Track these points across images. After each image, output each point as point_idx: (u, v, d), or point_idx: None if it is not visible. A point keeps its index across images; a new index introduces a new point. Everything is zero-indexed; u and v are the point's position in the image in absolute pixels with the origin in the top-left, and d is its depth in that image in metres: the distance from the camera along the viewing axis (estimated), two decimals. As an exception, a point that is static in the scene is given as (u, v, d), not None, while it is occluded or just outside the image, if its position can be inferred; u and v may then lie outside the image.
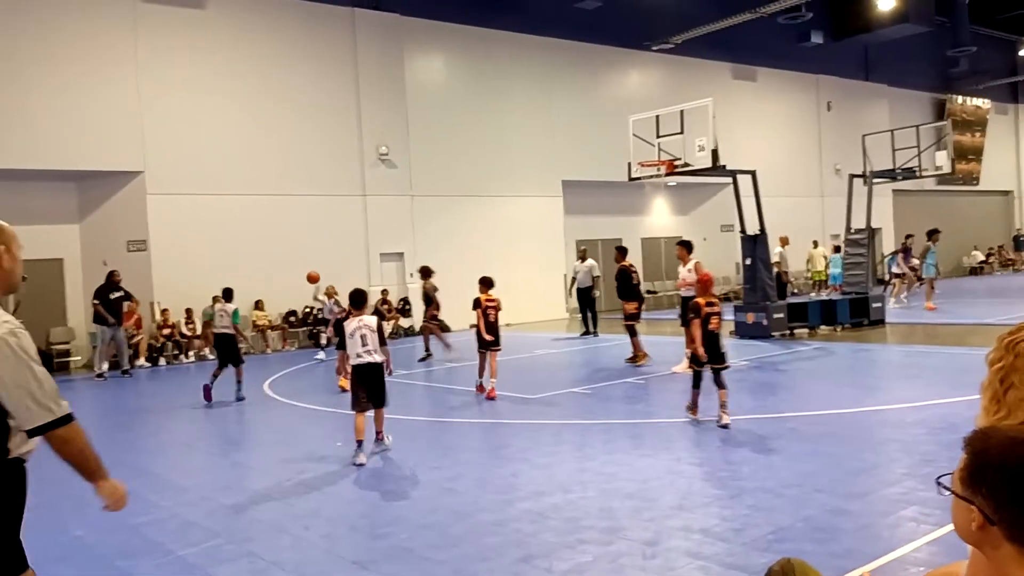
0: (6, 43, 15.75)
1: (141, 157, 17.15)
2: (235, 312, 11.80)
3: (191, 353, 17.47)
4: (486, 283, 10.84)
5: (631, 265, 14.05)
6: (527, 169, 23.04)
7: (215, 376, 11.41)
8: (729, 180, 17.26)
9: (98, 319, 15.55)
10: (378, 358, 7.68)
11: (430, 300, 15.58)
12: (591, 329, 17.86)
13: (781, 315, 15.68)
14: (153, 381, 11.82)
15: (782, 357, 13.20)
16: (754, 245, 15.79)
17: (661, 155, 14.92)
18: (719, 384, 8.25)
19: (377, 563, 4.96)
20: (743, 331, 15.85)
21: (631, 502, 5.81)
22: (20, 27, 15.90)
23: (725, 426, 8.00)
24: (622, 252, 14.36)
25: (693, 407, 8.48)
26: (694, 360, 8.56)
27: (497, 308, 10.78)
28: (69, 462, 3.06)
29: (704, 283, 8.68)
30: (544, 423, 8.86)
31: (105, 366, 15.64)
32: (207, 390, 11.33)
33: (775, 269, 17.74)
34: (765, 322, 15.47)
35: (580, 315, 18.43)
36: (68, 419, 2.94)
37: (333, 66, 19.79)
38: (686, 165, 14.53)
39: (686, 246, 12.35)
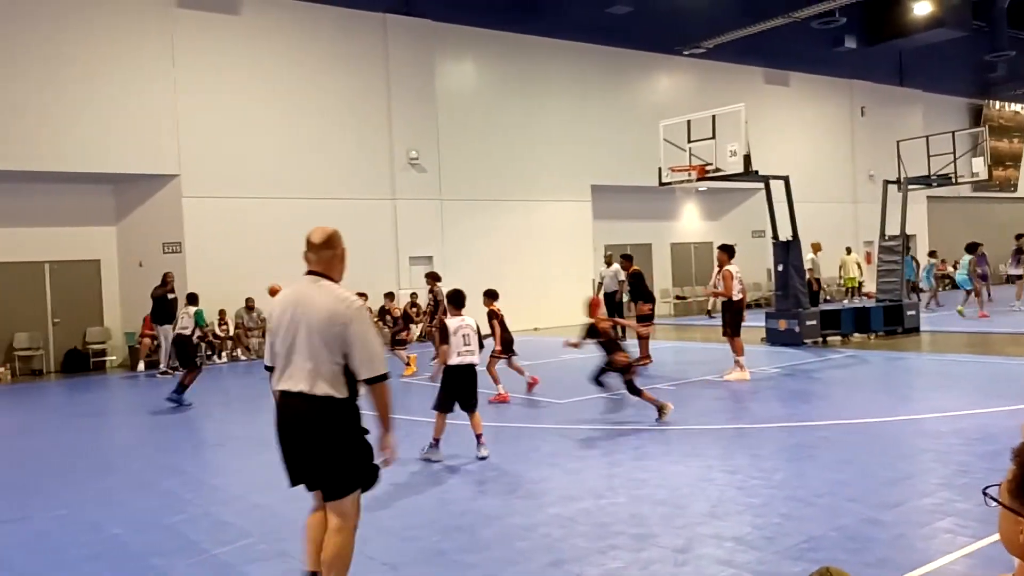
0: (45, 48, 16.07)
1: (177, 160, 17.41)
2: (198, 314, 12.10)
3: (224, 354, 17.68)
4: (493, 295, 11.07)
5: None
6: (556, 174, 23.04)
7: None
8: (760, 185, 17.17)
9: (160, 319, 15.86)
10: (477, 360, 7.65)
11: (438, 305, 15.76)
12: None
13: (813, 322, 15.52)
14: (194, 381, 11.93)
15: (814, 365, 13.06)
16: (786, 251, 15.65)
17: (692, 160, 14.85)
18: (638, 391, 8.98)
19: (408, 565, 4.98)
20: (774, 338, 15.72)
21: (662, 509, 5.78)
22: (58, 32, 16.22)
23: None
24: (629, 260, 14.58)
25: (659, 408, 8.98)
26: (624, 368, 9.18)
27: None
28: (377, 410, 4.07)
29: (594, 306, 9.80)
30: (573, 428, 8.85)
31: (163, 365, 15.99)
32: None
33: (807, 276, 17.57)
34: (797, 329, 15.33)
35: (607, 320, 18.38)
36: (386, 377, 4.04)
37: (365, 71, 19.95)
38: (717, 170, 14.46)
39: (727, 250, 12.26)
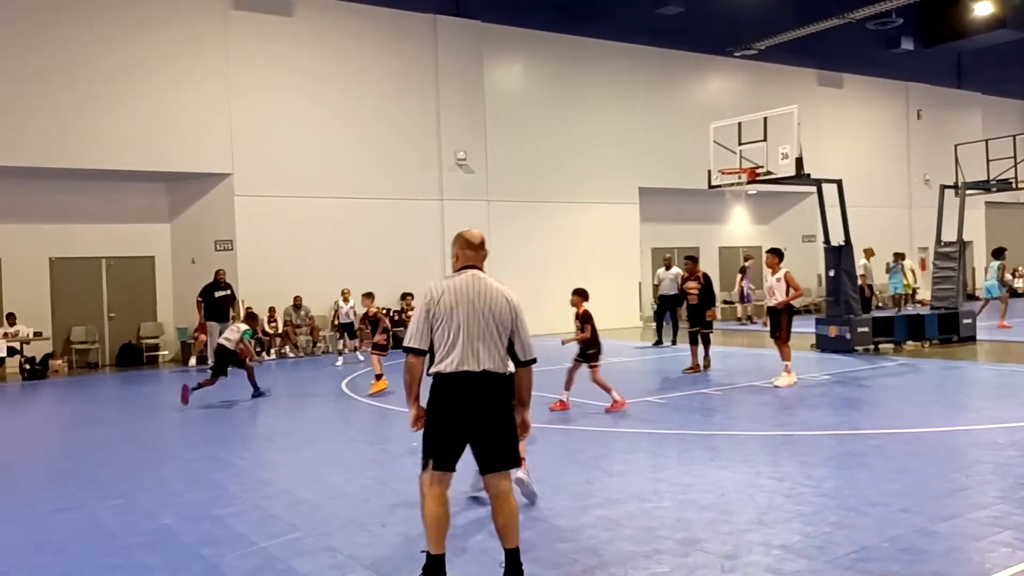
0: (102, 49, 16.51)
1: (229, 160, 17.74)
2: (246, 332, 12.13)
3: (272, 351, 17.95)
4: (584, 294, 10.40)
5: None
6: (604, 175, 22.96)
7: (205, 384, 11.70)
8: (812, 189, 16.88)
9: (208, 315, 16.18)
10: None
11: None
12: (662, 338, 17.63)
13: (865, 329, 15.22)
14: (236, 376, 12.14)
15: (866, 372, 12.80)
16: (838, 256, 15.37)
17: (743, 163, 14.67)
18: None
19: (453, 563, 4.98)
20: (824, 344, 15.45)
21: (708, 514, 5.71)
22: (116, 34, 16.64)
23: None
24: (695, 261, 14.20)
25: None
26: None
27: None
28: (524, 389, 4.65)
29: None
30: (618, 431, 8.80)
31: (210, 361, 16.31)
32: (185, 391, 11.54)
33: (859, 282, 17.22)
34: (848, 336, 15.04)
35: (655, 324, 18.20)
36: (535, 361, 4.68)
37: (414, 72, 20.10)
38: (768, 173, 14.25)
39: (777, 254, 12.06)
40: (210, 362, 16.37)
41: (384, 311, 14.92)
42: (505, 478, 4.48)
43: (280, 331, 18.08)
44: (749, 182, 14.65)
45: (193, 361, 17.13)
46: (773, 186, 16.64)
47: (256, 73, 18.07)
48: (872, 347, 15.30)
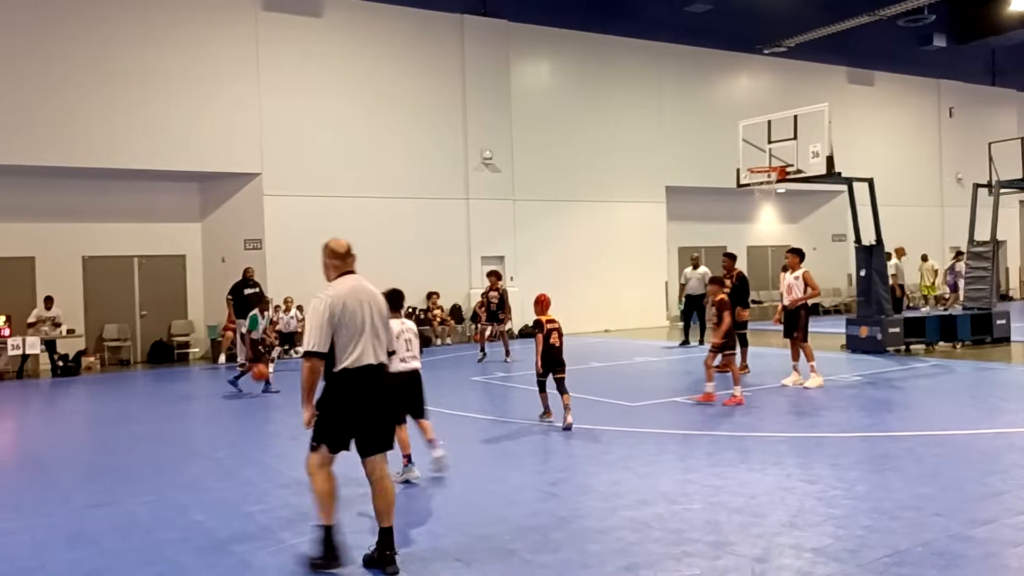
0: (134, 50, 16.72)
1: (259, 159, 17.89)
2: (252, 318, 12.76)
3: (300, 349, 18.05)
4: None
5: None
6: (631, 174, 22.87)
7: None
8: (842, 188, 16.70)
9: (237, 313, 16.35)
10: (418, 365, 7.19)
11: (503, 303, 15.81)
12: (689, 338, 17.51)
13: (897, 330, 15.03)
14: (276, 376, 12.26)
15: (897, 373, 12.64)
16: (869, 256, 15.19)
17: (772, 161, 14.53)
18: (562, 390, 9.04)
19: (480, 562, 5.00)
20: (855, 345, 15.28)
21: (739, 517, 5.67)
22: (147, 35, 16.85)
23: (568, 427, 8.79)
24: (732, 259, 13.91)
25: (546, 411, 9.43)
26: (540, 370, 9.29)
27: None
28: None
29: (542, 304, 9.42)
30: (645, 432, 8.75)
31: (240, 359, 16.46)
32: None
33: (890, 282, 17.00)
34: (879, 336, 14.86)
35: (682, 323, 18.09)
36: (395, 352, 5.29)
37: (441, 71, 20.15)
38: (799, 172, 14.11)
39: (798, 254, 11.93)
40: (240, 359, 16.54)
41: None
42: (383, 460, 5.03)
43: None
44: (779, 181, 14.52)
45: (223, 359, 17.29)
46: (803, 185, 16.49)
47: (285, 73, 18.22)
48: (903, 348, 15.11)
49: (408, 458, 7.00)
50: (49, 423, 11.38)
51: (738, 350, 12.89)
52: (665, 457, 7.54)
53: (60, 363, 16.09)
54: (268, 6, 18.04)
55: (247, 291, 16.42)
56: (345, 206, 18.74)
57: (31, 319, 16.24)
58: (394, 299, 7.00)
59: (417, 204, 19.76)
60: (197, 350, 18.51)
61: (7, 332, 15.62)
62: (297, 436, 9.46)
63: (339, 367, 4.87)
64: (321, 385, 4.93)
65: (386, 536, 4.95)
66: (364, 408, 4.93)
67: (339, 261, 5.19)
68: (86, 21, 16.27)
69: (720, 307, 10.41)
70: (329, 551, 4.95)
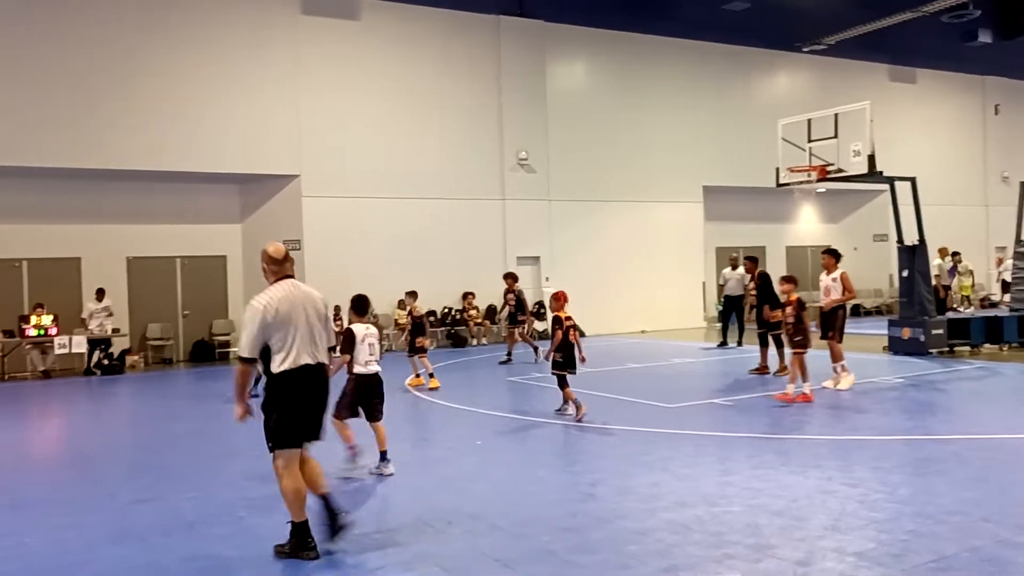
0: (176, 54, 17.01)
1: (298, 161, 18.10)
2: None
3: (336, 348, 18.21)
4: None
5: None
6: (668, 174, 22.74)
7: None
8: (884, 187, 16.45)
9: None
10: (379, 368, 7.41)
11: (521, 305, 15.80)
12: (727, 339, 17.35)
13: (940, 331, 14.75)
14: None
15: (941, 376, 12.41)
16: (912, 256, 14.93)
17: (812, 160, 14.36)
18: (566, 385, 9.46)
19: (520, 563, 5.01)
20: (897, 347, 15.03)
21: (780, 520, 5.61)
22: (188, 40, 17.13)
23: (581, 419, 9.25)
24: (753, 261, 13.90)
25: (567, 405, 9.60)
26: (556, 365, 9.46)
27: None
28: (334, 368, 5.83)
29: (561, 299, 9.67)
30: (684, 433, 8.70)
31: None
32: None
33: (934, 282, 16.70)
34: (922, 338, 14.61)
35: (720, 324, 17.93)
36: (335, 349, 5.97)
37: (478, 72, 20.21)
38: (839, 171, 13.92)
39: (834, 254, 11.78)
40: None
41: (428, 312, 14.90)
42: (311, 449, 5.43)
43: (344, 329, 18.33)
44: (819, 180, 14.34)
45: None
46: (844, 184, 16.26)
47: (323, 76, 18.41)
48: (947, 350, 14.83)
49: (353, 449, 7.35)
50: (95, 421, 11.63)
51: (773, 350, 12.83)
52: (704, 459, 7.49)
53: (105, 362, 16.41)
54: (307, 9, 18.24)
55: None
56: (382, 207, 18.90)
57: (84, 314, 16.63)
58: (359, 305, 7.66)
59: (453, 205, 19.84)
60: (237, 349, 18.75)
61: (55, 331, 15.99)
62: (336, 437, 9.57)
63: (278, 369, 5.16)
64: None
65: (328, 501, 5.34)
66: (306, 405, 5.24)
67: (276, 266, 5.42)
68: (129, 26, 16.58)
69: (798, 307, 10.43)
70: (305, 542, 5.24)
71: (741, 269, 17.03)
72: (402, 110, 19.29)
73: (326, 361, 5.39)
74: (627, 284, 21.89)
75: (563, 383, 9.56)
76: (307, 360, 5.22)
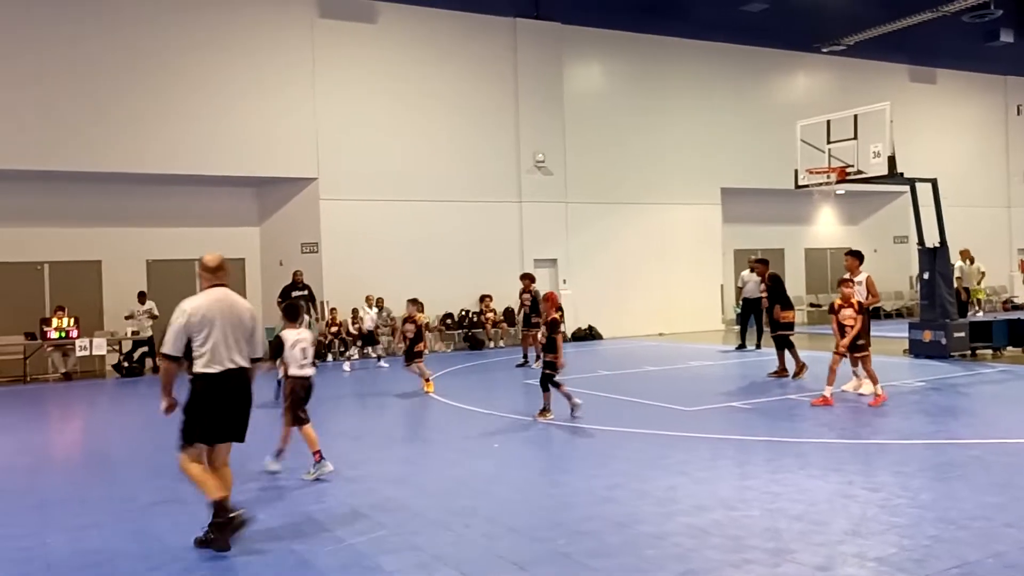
0: (193, 58, 17.16)
1: (315, 164, 18.19)
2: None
3: (355, 351, 18.26)
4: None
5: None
6: (685, 176, 22.65)
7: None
8: (904, 189, 16.30)
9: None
10: (311, 372, 7.63)
11: (537, 306, 15.73)
12: (745, 342, 17.25)
13: (962, 334, 14.60)
14: (320, 375, 12.36)
15: (963, 379, 12.28)
16: (933, 258, 14.80)
17: (831, 162, 14.26)
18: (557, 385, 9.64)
19: (536, 566, 4.99)
20: (918, 350, 14.88)
21: (799, 524, 5.56)
22: (206, 43, 17.28)
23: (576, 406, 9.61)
24: (764, 264, 13.75)
25: (546, 410, 9.69)
26: (550, 367, 9.60)
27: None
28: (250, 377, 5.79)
29: (554, 300, 9.87)
30: (702, 437, 8.65)
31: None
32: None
33: (955, 284, 16.53)
34: (943, 341, 14.46)
35: (739, 327, 17.83)
36: (264, 358, 5.90)
37: (494, 75, 20.23)
38: (859, 172, 13.81)
39: (858, 256, 11.67)
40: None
41: (445, 315, 14.89)
42: (228, 449, 5.73)
43: (364, 331, 18.37)
44: (838, 181, 14.24)
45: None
46: (863, 186, 16.13)
47: (341, 79, 18.49)
48: (969, 353, 14.67)
49: (319, 454, 7.44)
50: (116, 422, 11.71)
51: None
52: (722, 462, 7.44)
53: (125, 364, 16.54)
54: (324, 13, 18.33)
55: (295, 293, 16.74)
56: (399, 210, 18.95)
57: (126, 314, 16.80)
58: (290, 312, 8.05)
59: (470, 207, 19.86)
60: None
61: (76, 333, 16.13)
62: (358, 437, 9.61)
63: (196, 371, 5.50)
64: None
65: (224, 505, 5.54)
66: (221, 406, 5.53)
67: (209, 274, 5.77)
68: (148, 31, 16.73)
69: (859, 309, 10.35)
70: (226, 517, 5.48)
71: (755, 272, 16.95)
72: (419, 113, 19.33)
73: (247, 366, 5.64)
74: (644, 286, 21.83)
75: (556, 383, 9.71)
76: (227, 364, 5.51)
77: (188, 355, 5.51)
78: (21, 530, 6.08)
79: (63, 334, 16.06)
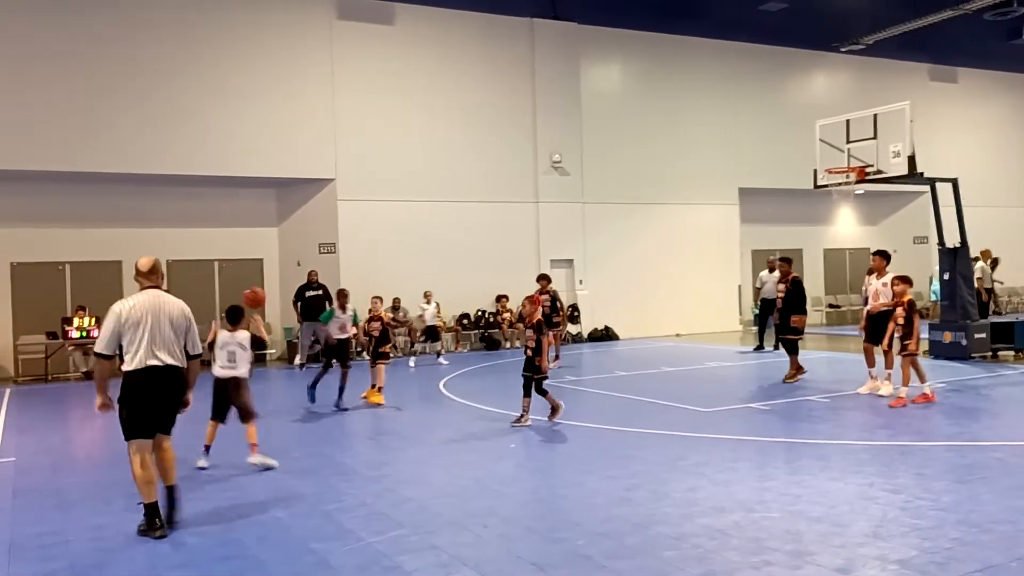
0: (212, 60, 17.26)
1: (333, 165, 18.26)
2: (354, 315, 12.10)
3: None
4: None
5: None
6: (703, 176, 22.57)
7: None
8: (925, 189, 16.16)
9: (303, 316, 16.82)
10: (239, 373, 8.05)
11: (556, 307, 15.74)
12: (764, 343, 17.15)
13: (983, 335, 14.46)
14: (335, 375, 12.42)
15: (984, 381, 12.16)
16: (954, 259, 14.66)
17: (851, 162, 14.16)
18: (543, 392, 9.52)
19: (555, 566, 4.99)
20: (938, 351, 14.75)
21: (819, 526, 5.53)
22: (226, 45, 17.38)
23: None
24: (788, 263, 13.51)
25: (525, 415, 9.52)
26: (538, 370, 9.40)
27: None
28: (189, 375, 6.18)
29: (536, 302, 9.72)
30: (721, 438, 8.62)
31: (298, 359, 16.92)
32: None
33: (976, 285, 16.36)
34: (964, 342, 14.32)
35: (757, 328, 17.74)
36: (200, 356, 6.29)
37: (511, 75, 20.24)
38: (879, 172, 13.71)
39: (884, 256, 11.54)
40: (298, 359, 16.96)
41: (462, 315, 14.92)
42: (166, 438, 6.05)
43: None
44: (858, 181, 14.13)
45: (298, 360, 17.69)
46: (883, 186, 16.01)
47: (358, 80, 18.56)
48: (990, 354, 14.52)
49: (206, 449, 8.07)
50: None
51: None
52: (741, 464, 7.41)
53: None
54: (342, 15, 18.41)
55: (309, 293, 16.86)
56: (416, 210, 19.00)
57: None
58: (231, 314, 8.35)
59: (487, 208, 19.88)
60: (273, 351, 18.97)
61: (96, 333, 16.25)
62: (375, 437, 9.64)
63: (127, 368, 5.85)
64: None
65: (171, 492, 6.00)
66: (149, 401, 5.87)
67: (143, 278, 6.12)
68: (166, 32, 16.85)
69: (909, 308, 10.28)
70: (152, 522, 5.80)
71: (778, 272, 16.79)
72: (436, 114, 19.37)
73: (178, 364, 5.97)
74: (661, 287, 21.76)
75: (543, 390, 9.52)
76: (153, 362, 5.84)
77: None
78: (43, 528, 6.14)
79: (84, 333, 16.21)
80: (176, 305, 6.08)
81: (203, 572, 5.14)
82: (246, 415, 8.01)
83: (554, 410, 9.66)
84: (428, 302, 17.74)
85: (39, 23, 15.92)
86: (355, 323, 11.98)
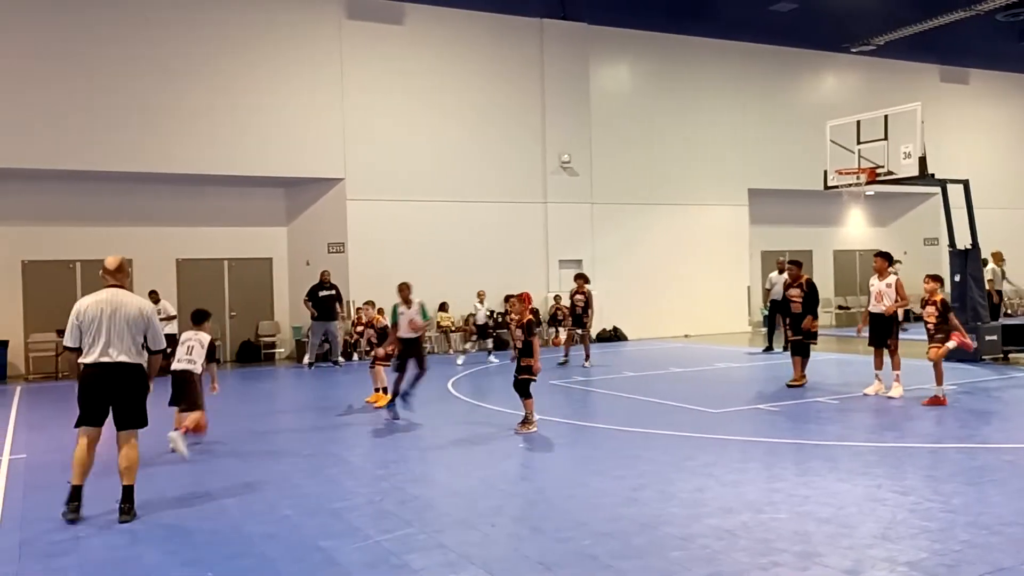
0: (223, 60, 17.33)
1: (342, 165, 18.31)
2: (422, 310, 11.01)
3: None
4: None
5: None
6: (712, 177, 22.53)
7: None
8: (935, 190, 16.11)
9: (317, 314, 16.92)
10: (194, 368, 8.70)
11: (588, 307, 15.75)
12: (773, 344, 17.10)
13: (994, 337, 14.39)
14: (347, 374, 12.49)
15: (995, 383, 12.10)
16: (965, 261, 14.60)
17: (861, 163, 14.11)
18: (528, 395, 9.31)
19: (562, 566, 4.99)
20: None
21: (827, 527, 5.51)
22: (236, 45, 17.45)
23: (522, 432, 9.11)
24: (798, 266, 13.38)
25: (530, 421, 9.21)
26: (529, 372, 9.17)
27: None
28: (151, 369, 6.47)
29: (527, 301, 9.59)
30: (729, 439, 8.60)
31: (307, 358, 16.97)
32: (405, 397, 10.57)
33: (987, 287, 16.26)
34: (975, 344, 14.21)
35: (766, 329, 17.69)
36: (162, 351, 6.49)
37: (520, 76, 20.25)
38: (889, 173, 13.66)
39: (886, 258, 11.51)
40: (307, 358, 16.98)
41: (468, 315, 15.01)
42: (132, 435, 6.28)
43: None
44: (868, 183, 14.08)
45: (307, 359, 17.73)
46: (893, 187, 15.95)
47: (368, 80, 18.60)
48: (1001, 357, 14.44)
49: (184, 430, 8.51)
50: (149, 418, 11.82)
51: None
52: (750, 465, 7.39)
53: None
54: (351, 14, 18.45)
55: (322, 293, 16.93)
56: (425, 210, 19.03)
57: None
58: (196, 316, 9.09)
59: (496, 208, 19.89)
60: (283, 350, 19.03)
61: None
62: (383, 436, 9.65)
63: (82, 361, 6.17)
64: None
65: (127, 493, 6.23)
66: (97, 395, 6.15)
67: (108, 275, 6.36)
68: (176, 32, 16.93)
69: (942, 308, 10.20)
70: (68, 501, 6.15)
71: (787, 275, 16.71)
72: (446, 114, 19.40)
73: (133, 361, 6.20)
74: (670, 288, 21.73)
75: (528, 392, 9.28)
76: (104, 359, 6.11)
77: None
78: (55, 524, 6.17)
79: (94, 332, 16.28)
80: (134, 303, 6.28)
81: (212, 570, 5.15)
82: (191, 406, 8.69)
83: (526, 422, 9.22)
84: (481, 301, 17.88)
85: (47, 23, 16.01)
86: (425, 318, 10.87)
